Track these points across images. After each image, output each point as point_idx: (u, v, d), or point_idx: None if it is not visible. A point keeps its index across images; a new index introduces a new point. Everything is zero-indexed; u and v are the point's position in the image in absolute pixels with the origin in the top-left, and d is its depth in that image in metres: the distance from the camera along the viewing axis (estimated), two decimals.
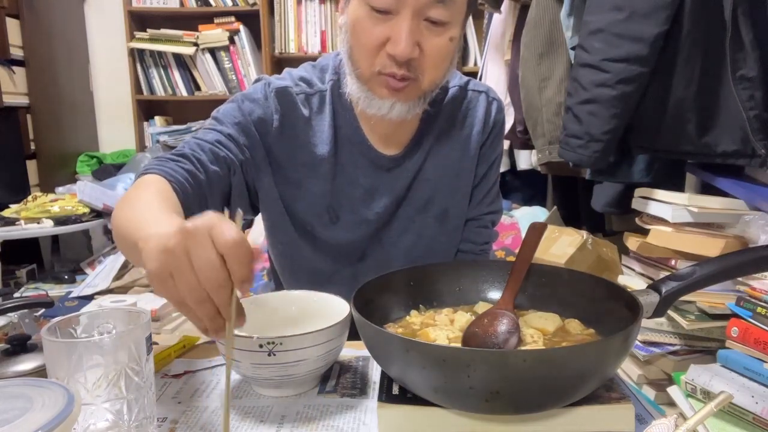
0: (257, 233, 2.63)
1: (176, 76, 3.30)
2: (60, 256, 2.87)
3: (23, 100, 2.84)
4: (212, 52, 3.25)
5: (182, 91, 3.31)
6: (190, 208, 0.75)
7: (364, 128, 0.93)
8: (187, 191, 0.76)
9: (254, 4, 3.17)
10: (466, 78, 1.01)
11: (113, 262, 2.43)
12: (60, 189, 2.78)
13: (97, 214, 2.57)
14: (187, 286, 0.51)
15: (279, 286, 1.06)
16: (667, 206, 1.52)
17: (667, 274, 0.74)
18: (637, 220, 1.67)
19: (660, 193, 1.57)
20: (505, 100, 2.39)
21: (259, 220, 1.04)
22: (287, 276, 1.02)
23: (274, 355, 0.63)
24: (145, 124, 3.38)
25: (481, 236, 1.04)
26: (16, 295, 2.32)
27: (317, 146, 0.92)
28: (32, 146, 2.92)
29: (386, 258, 0.97)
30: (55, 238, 2.85)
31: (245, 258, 0.51)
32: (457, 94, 0.98)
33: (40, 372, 0.68)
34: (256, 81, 0.94)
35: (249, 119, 0.89)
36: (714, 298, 1.37)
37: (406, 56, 0.78)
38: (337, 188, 0.93)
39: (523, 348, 0.64)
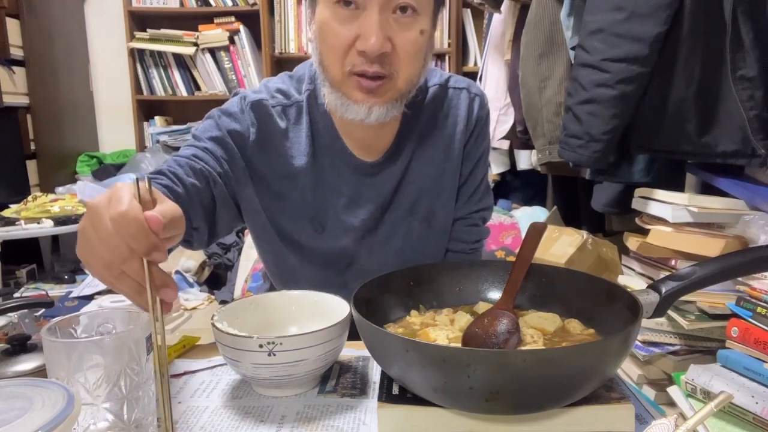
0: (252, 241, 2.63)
1: (176, 76, 3.30)
2: (60, 256, 2.87)
3: (23, 100, 2.84)
4: (212, 52, 3.25)
5: (182, 91, 3.31)
6: None
7: (343, 136, 0.91)
8: None
9: (254, 4, 3.17)
10: (446, 75, 0.99)
11: None
12: (60, 189, 2.78)
13: None
14: (100, 262, 0.53)
15: (273, 290, 1.06)
16: (667, 206, 1.52)
17: (667, 274, 0.74)
18: (637, 220, 1.67)
19: (660, 193, 1.57)
20: (505, 100, 2.39)
21: None
22: (278, 283, 1.02)
23: (274, 355, 0.63)
24: (145, 124, 3.39)
25: (471, 234, 1.03)
26: (16, 295, 2.32)
27: (295, 158, 0.91)
28: (32, 146, 2.92)
29: (375, 263, 0.96)
30: (55, 238, 2.85)
31: (133, 230, 0.51)
32: (437, 92, 0.97)
33: (40, 372, 0.68)
34: (233, 95, 0.94)
35: (225, 133, 0.89)
36: (714, 298, 1.37)
37: (377, 50, 0.76)
38: (319, 198, 0.93)
39: (523, 348, 0.64)
